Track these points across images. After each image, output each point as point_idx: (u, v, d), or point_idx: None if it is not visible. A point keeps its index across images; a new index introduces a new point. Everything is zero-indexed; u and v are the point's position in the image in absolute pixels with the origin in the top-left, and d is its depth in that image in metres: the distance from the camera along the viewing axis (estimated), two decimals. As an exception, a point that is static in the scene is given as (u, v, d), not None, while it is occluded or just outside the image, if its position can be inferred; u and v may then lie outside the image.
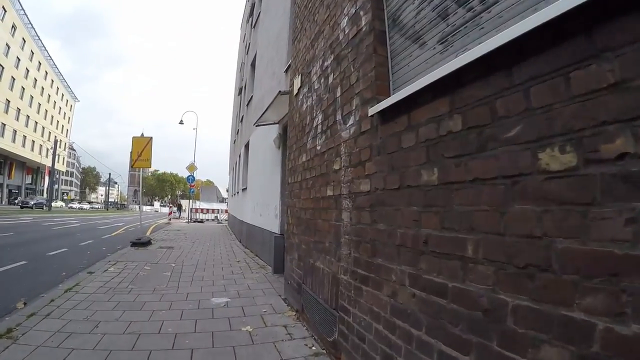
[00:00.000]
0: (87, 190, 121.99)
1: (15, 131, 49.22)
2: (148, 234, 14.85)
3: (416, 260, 1.73)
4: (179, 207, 31.38)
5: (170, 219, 24.91)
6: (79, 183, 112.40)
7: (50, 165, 64.32)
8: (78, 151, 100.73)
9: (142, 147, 10.90)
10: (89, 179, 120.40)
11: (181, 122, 27.30)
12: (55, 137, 55.09)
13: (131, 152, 10.94)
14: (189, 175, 23.64)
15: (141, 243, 9.85)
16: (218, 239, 12.39)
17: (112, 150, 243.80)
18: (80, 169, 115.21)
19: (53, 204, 49.85)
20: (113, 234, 14.19)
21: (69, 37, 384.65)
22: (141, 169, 11.10)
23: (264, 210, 7.36)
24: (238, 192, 12.74)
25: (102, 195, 77.75)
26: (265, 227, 7.18)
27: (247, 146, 11.02)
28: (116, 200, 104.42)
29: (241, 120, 13.65)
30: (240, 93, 15.57)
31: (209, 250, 9.28)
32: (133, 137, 11.13)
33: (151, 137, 11.01)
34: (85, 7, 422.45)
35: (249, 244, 9.32)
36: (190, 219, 24.92)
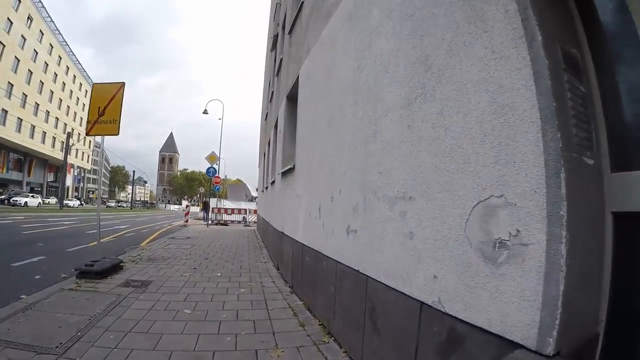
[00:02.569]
0: (116, 189, 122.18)
1: (34, 127, 46.64)
2: (144, 243, 10.25)
3: None
4: (205, 207, 23.51)
5: (187, 220, 20.41)
6: (107, 182, 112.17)
7: (74, 162, 62.70)
8: (105, 150, 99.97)
9: (106, 100, 6.20)
10: (117, 177, 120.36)
11: (205, 112, 24.31)
12: (72, 128, 52.47)
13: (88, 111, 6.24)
14: (209, 167, 19.02)
15: (95, 273, 5.21)
16: (240, 259, 7.52)
17: (146, 151, 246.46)
18: (109, 168, 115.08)
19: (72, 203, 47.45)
20: (91, 244, 9.58)
21: (103, 44, 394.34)
22: (103, 136, 6.36)
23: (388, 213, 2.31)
24: (273, 182, 7.77)
25: (132, 194, 75.34)
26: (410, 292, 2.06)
27: (292, 98, 6.07)
28: (142, 199, 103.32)
29: (277, 73, 8.76)
30: (274, 46, 10.75)
31: (214, 298, 4.34)
32: (94, 85, 6.49)
33: (123, 83, 6.29)
34: (117, 15, 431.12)
35: (305, 289, 4.24)
36: (212, 221, 20.35)
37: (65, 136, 51.79)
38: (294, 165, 4.89)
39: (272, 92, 9.74)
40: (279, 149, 6.82)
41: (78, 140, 60.84)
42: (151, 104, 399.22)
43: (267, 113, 12.22)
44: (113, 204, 62.54)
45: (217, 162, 22.02)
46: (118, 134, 6.04)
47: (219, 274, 5.70)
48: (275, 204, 7.19)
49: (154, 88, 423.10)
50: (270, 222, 7.98)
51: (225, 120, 22.90)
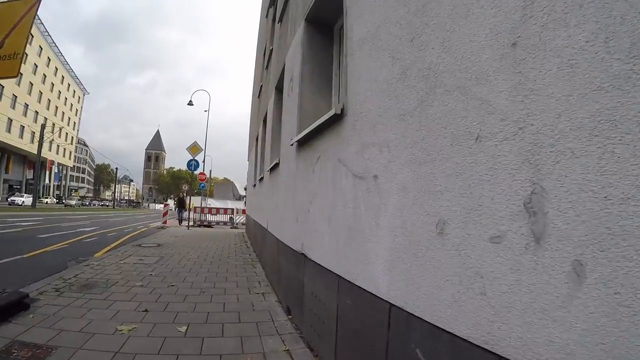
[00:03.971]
0: (101, 188, 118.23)
1: (11, 120, 43.46)
2: (100, 253, 7.64)
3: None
4: (180, 205, 20.52)
5: (165, 221, 17.80)
6: (92, 180, 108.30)
7: (55, 158, 59.08)
8: (90, 149, 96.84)
9: (9, 26, 3.75)
10: (103, 176, 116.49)
11: (190, 103, 22.31)
12: (52, 123, 49.23)
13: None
14: (191, 160, 16.42)
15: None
16: (223, 286, 5.04)
17: (133, 150, 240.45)
18: (94, 166, 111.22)
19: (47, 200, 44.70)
20: (28, 255, 7.04)
21: (93, 43, 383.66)
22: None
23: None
24: (277, 165, 5.19)
25: (117, 193, 71.84)
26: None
27: (313, 19, 3.68)
28: (126, 198, 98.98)
29: (280, 19, 6.40)
30: (272, 2, 8.45)
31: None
32: (-8, 4, 4.05)
33: (38, 1, 3.84)
34: (107, 14, 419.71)
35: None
36: (194, 222, 17.74)
37: (47, 131, 48.79)
38: (342, 109, 2.41)
39: (272, 50, 7.32)
40: (293, 104, 4.16)
41: (59, 136, 57.46)
42: (139, 103, 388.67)
43: (260, 86, 9.80)
44: (74, 203, 52.51)
45: (203, 156, 19.53)
46: (17, 75, 3.60)
47: (183, 330, 3.11)
48: (281, 202, 4.70)
49: (142, 87, 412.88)
50: (270, 229, 5.49)
51: (212, 122, 20.55)
